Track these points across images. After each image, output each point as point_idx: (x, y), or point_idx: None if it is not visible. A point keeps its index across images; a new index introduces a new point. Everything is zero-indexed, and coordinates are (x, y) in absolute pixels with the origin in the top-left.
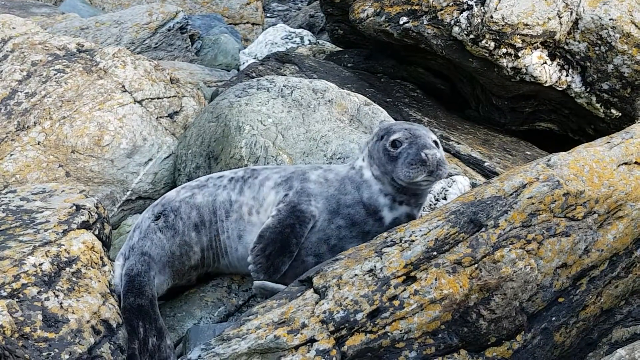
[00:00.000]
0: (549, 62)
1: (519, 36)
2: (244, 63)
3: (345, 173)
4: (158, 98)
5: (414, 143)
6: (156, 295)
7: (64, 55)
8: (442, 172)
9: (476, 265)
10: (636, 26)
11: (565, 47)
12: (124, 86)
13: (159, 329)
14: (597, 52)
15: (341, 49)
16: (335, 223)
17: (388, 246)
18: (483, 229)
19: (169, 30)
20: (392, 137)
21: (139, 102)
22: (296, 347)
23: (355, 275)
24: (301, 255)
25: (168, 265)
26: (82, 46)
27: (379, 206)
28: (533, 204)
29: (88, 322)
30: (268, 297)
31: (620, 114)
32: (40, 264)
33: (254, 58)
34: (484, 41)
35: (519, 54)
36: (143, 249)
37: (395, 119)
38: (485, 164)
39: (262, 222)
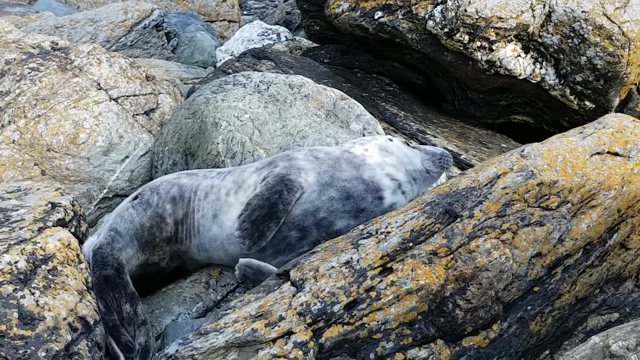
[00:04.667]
0: (522, 54)
1: (492, 29)
2: (220, 60)
3: (339, 154)
4: (134, 95)
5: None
6: (124, 263)
7: (38, 54)
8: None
9: (452, 256)
10: (608, 18)
11: (539, 39)
12: (99, 84)
13: (130, 295)
14: (570, 44)
15: (317, 45)
16: (326, 194)
17: (364, 238)
18: (458, 220)
19: (144, 28)
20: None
21: (115, 100)
22: (274, 340)
23: (332, 267)
24: (282, 231)
25: (136, 237)
26: (57, 44)
27: (383, 186)
28: (507, 194)
29: (65, 319)
30: (251, 279)
31: (594, 106)
32: (16, 262)
33: (231, 55)
34: (458, 35)
35: (493, 47)
36: (112, 225)
37: (372, 114)
38: (462, 156)
39: (240, 202)
